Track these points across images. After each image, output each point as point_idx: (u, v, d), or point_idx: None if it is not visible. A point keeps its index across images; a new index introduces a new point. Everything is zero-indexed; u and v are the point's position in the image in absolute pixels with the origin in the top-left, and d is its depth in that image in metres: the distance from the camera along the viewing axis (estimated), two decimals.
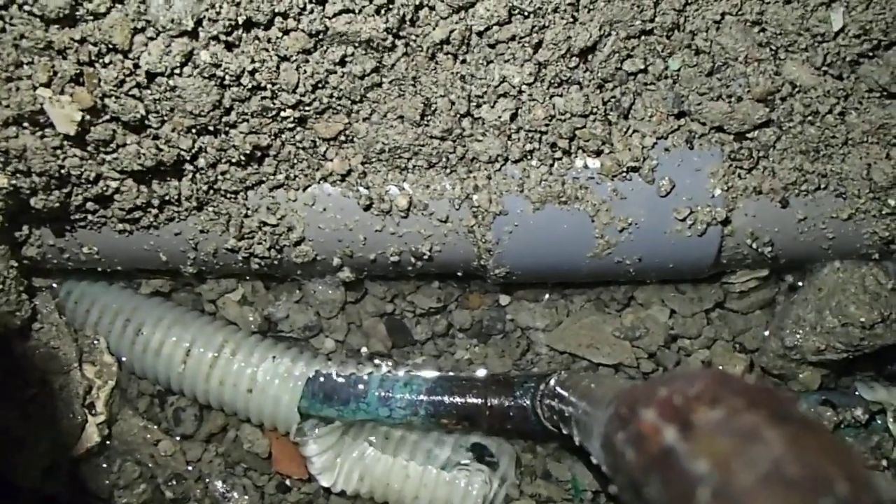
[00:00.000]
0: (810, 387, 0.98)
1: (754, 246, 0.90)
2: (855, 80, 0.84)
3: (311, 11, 0.74)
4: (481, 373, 0.97)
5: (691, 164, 0.86)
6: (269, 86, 0.78)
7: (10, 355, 0.90)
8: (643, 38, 0.81)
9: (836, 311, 0.92)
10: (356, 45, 0.77)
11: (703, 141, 0.86)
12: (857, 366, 0.98)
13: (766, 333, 1.00)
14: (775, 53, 0.82)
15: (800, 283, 0.98)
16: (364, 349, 1.01)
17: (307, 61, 0.78)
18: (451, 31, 0.78)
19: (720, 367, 0.98)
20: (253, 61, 0.76)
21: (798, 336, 0.94)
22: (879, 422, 0.93)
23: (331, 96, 0.81)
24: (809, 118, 0.85)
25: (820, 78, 0.83)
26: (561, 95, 0.83)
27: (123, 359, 0.99)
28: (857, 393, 0.95)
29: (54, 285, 0.99)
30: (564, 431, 0.80)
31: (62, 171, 0.79)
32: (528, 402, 0.90)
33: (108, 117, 0.77)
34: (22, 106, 0.74)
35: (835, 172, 0.88)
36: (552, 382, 0.86)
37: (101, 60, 0.73)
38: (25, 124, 0.76)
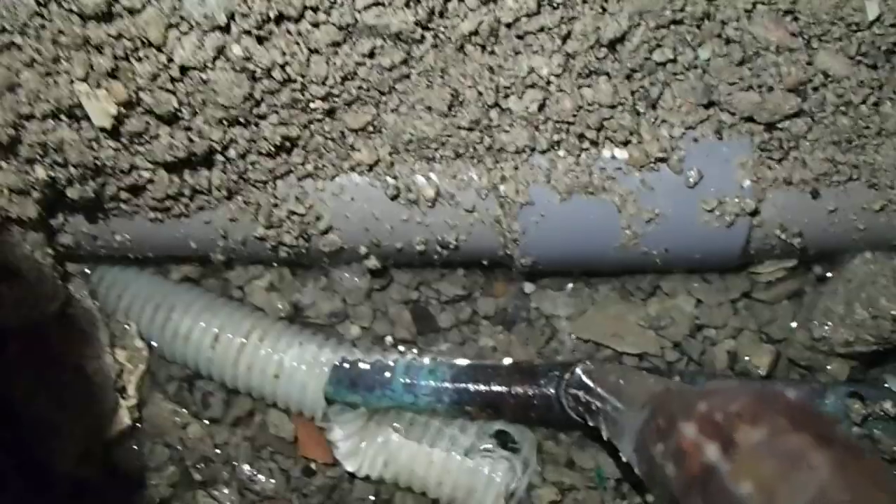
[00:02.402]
0: (838, 378, 0.97)
1: (783, 237, 0.89)
2: (890, 70, 0.82)
3: (342, 5, 0.74)
4: (506, 360, 0.98)
5: (720, 155, 0.85)
6: (298, 78, 0.78)
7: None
8: (673, 27, 0.80)
9: (865, 303, 0.91)
10: (385, 37, 0.77)
11: (732, 131, 0.86)
12: (887, 358, 0.97)
13: (794, 324, 0.99)
14: (808, 43, 0.81)
15: (828, 274, 0.97)
16: (389, 336, 1.02)
17: (337, 54, 0.78)
18: (480, 23, 0.77)
19: (746, 359, 0.98)
20: (283, 54, 0.76)
21: (827, 328, 0.94)
22: None
23: (359, 88, 0.81)
24: (842, 108, 0.84)
25: (853, 68, 0.82)
26: (589, 86, 0.82)
27: (154, 343, 1.00)
28: (886, 385, 0.94)
29: (87, 271, 1.01)
30: (590, 423, 0.81)
31: (97, 163, 0.80)
32: (552, 391, 0.91)
33: (142, 110, 0.78)
34: (60, 100, 0.75)
35: (867, 163, 0.87)
36: (578, 372, 0.87)
37: (136, 55, 0.74)
38: (63, 118, 0.77)
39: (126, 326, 0.99)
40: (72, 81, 0.74)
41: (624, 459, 0.63)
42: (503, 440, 0.97)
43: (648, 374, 0.74)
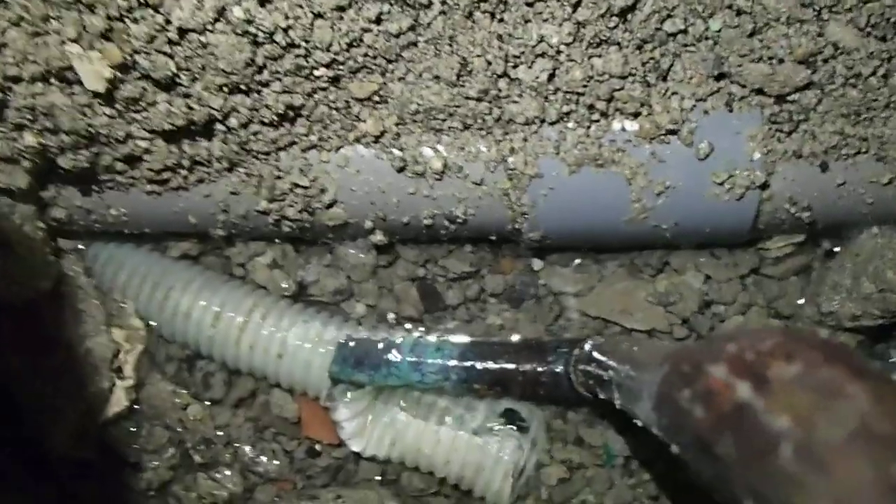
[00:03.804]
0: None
1: (792, 211, 0.89)
2: None
3: None
4: (513, 338, 0.96)
5: (731, 127, 0.84)
6: (302, 43, 0.76)
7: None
8: None
9: (872, 277, 0.91)
10: (392, 2, 0.76)
11: (742, 104, 0.85)
12: (893, 332, 0.97)
13: (802, 300, 0.99)
14: (818, 14, 0.80)
15: (836, 249, 0.97)
16: (394, 314, 1.00)
17: (342, 18, 0.76)
18: None
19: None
20: (287, 18, 0.74)
21: (834, 302, 0.93)
22: None
23: (365, 55, 0.79)
24: (851, 80, 0.84)
25: (863, 39, 0.81)
26: (600, 56, 0.81)
27: (152, 323, 0.98)
28: (891, 359, 0.94)
29: (81, 247, 0.98)
30: (602, 396, 0.80)
31: (90, 130, 0.78)
32: (560, 368, 0.89)
33: (138, 74, 0.76)
34: (50, 62, 0.72)
35: (876, 136, 0.87)
36: (587, 347, 0.86)
37: (131, 15, 0.72)
38: (53, 81, 0.74)
39: (123, 305, 0.96)
40: (63, 42, 0.72)
41: (640, 424, 0.62)
42: (511, 418, 0.96)
43: (660, 341, 0.73)
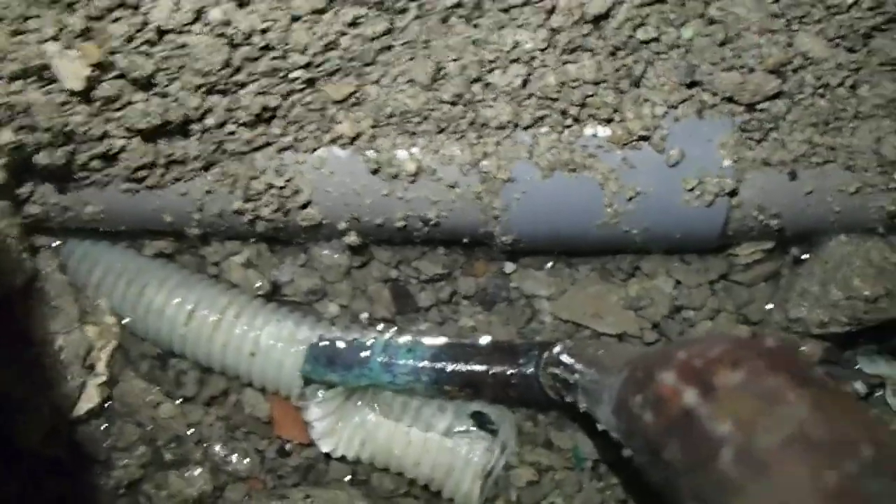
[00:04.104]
0: (812, 359, 0.98)
1: (761, 218, 0.90)
2: (867, 54, 0.83)
3: None
4: (485, 340, 0.97)
5: (702, 135, 0.86)
6: (279, 46, 0.77)
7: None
8: (657, 6, 0.81)
9: (840, 285, 0.92)
10: (369, 6, 0.76)
11: (713, 111, 0.86)
12: (861, 338, 0.99)
13: (771, 306, 1.00)
14: (788, 24, 0.82)
15: (805, 256, 0.98)
16: (367, 315, 1.01)
17: (319, 22, 0.77)
18: None
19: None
20: (264, 20, 0.75)
21: (802, 308, 0.95)
22: (879, 394, 0.94)
23: (341, 58, 0.80)
24: (821, 90, 0.85)
25: (832, 50, 0.83)
26: (573, 62, 0.82)
27: (126, 320, 0.98)
28: (857, 366, 0.96)
29: (56, 244, 0.98)
30: (568, 399, 0.81)
31: (67, 128, 0.78)
32: (531, 370, 0.90)
33: (115, 74, 0.76)
34: (28, 60, 0.73)
35: (844, 146, 0.88)
36: (556, 350, 0.86)
37: (110, 15, 0.72)
38: (31, 79, 0.75)
39: (97, 302, 0.96)
40: (41, 41, 0.72)
41: (601, 428, 0.63)
42: (480, 421, 0.97)
43: (627, 345, 0.74)
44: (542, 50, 0.81)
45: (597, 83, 0.83)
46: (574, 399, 0.78)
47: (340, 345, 0.94)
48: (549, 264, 1.01)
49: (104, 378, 0.94)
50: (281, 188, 0.87)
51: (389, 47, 0.81)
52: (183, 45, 0.75)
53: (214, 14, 0.74)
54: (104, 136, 0.81)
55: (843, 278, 0.93)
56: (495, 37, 0.80)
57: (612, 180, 0.86)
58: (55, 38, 0.72)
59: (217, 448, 0.98)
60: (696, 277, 0.99)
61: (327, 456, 0.98)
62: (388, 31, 0.79)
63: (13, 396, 0.89)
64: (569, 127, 0.86)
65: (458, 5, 0.79)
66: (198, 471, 0.96)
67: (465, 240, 0.95)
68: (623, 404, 0.51)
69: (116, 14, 0.73)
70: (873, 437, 0.36)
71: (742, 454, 0.37)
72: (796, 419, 0.37)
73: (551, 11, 0.79)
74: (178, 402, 0.99)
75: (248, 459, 0.98)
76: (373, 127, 0.86)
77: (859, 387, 0.94)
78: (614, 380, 0.58)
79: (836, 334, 0.95)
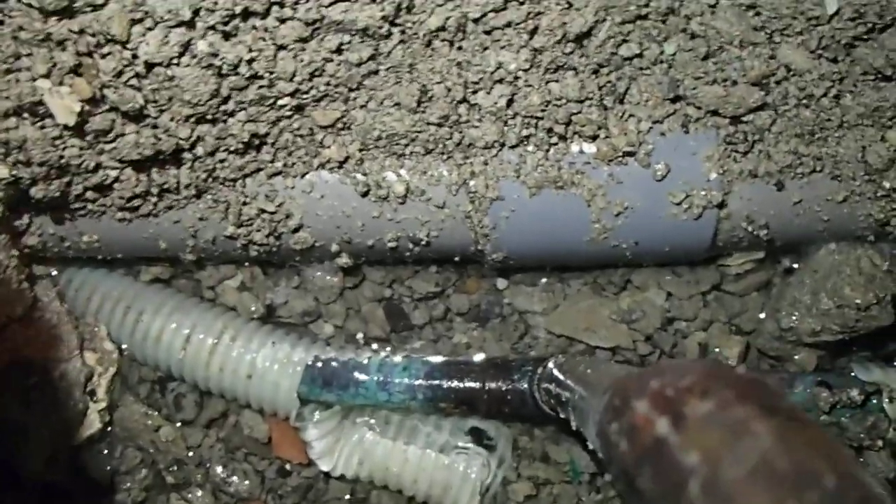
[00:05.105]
0: (806, 368, 0.99)
1: (750, 229, 0.91)
2: (849, 64, 0.84)
3: (308, 0, 0.74)
4: (479, 357, 0.98)
5: (687, 148, 0.86)
6: (266, 74, 0.78)
7: (12, 344, 0.91)
8: (638, 22, 0.81)
9: (831, 293, 0.93)
10: (353, 33, 0.77)
11: (698, 125, 0.87)
12: (853, 347, 0.99)
13: (763, 315, 1.00)
14: (770, 37, 0.82)
15: (795, 266, 0.99)
16: (362, 334, 1.02)
17: (304, 50, 0.78)
18: (447, 18, 0.77)
19: (717, 350, 0.99)
20: (250, 50, 0.76)
21: (794, 318, 0.95)
22: (875, 402, 0.94)
23: (328, 84, 0.81)
24: (804, 101, 0.85)
25: (815, 61, 0.83)
26: (557, 81, 0.83)
27: (124, 346, 0.99)
28: (852, 374, 0.96)
29: (55, 273, 1.00)
30: (562, 416, 0.81)
31: (62, 161, 0.79)
32: (525, 386, 0.91)
33: (107, 107, 0.77)
34: (22, 97, 0.74)
35: (830, 155, 0.88)
36: (550, 366, 0.87)
37: (99, 51, 0.73)
38: (25, 115, 0.76)
39: (96, 329, 0.98)
40: (34, 78, 0.73)
41: (590, 447, 0.64)
42: (478, 436, 0.98)
43: (616, 363, 0.75)
44: (526, 70, 0.81)
45: (581, 101, 0.83)
46: (566, 415, 0.78)
47: (336, 365, 0.95)
48: (541, 280, 1.02)
49: (105, 403, 0.96)
50: (272, 213, 0.89)
51: (375, 72, 0.82)
52: (171, 78, 0.76)
53: (201, 46, 0.75)
54: (98, 167, 0.82)
55: (834, 287, 0.93)
56: (479, 58, 0.81)
57: (600, 196, 0.87)
58: (47, 76, 0.74)
59: (217, 470, 1.00)
60: (687, 289, 0.99)
61: (326, 475, 0.99)
62: (372, 57, 0.80)
63: (15, 423, 0.91)
64: (555, 145, 0.86)
65: (441, 29, 0.79)
66: (199, 493, 0.97)
67: (456, 258, 0.96)
68: (602, 431, 0.52)
69: (106, 49, 0.74)
70: (836, 468, 0.37)
71: (708, 486, 0.38)
72: (760, 450, 0.37)
73: (533, 32, 0.80)
74: (177, 425, 1.00)
75: (248, 481, 0.99)
76: (361, 150, 0.87)
77: (855, 394, 0.94)
78: (598, 402, 0.59)
79: (828, 343, 0.96)
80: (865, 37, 0.82)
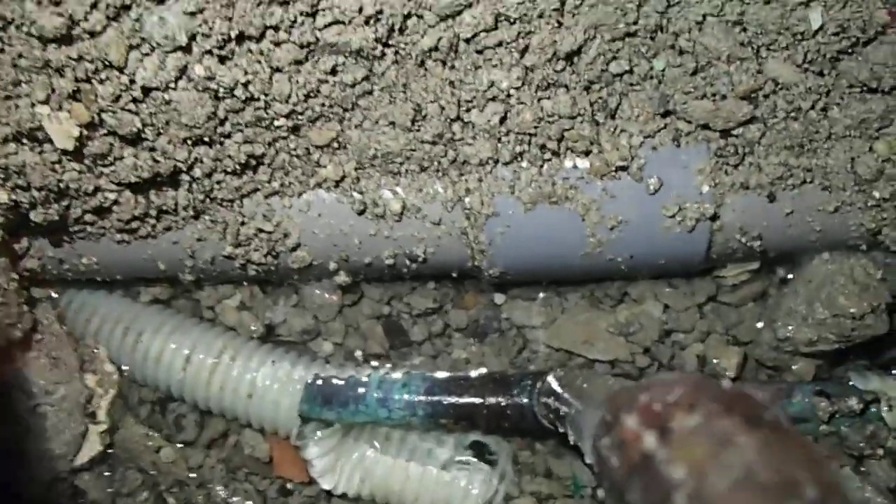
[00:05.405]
0: (804, 378, 0.99)
1: (743, 240, 0.92)
2: (835, 77, 0.85)
3: (302, 23, 0.75)
4: (479, 372, 0.98)
5: (678, 162, 0.87)
6: (262, 96, 0.79)
7: (12, 366, 0.91)
8: (627, 40, 0.83)
9: (826, 303, 0.93)
10: (346, 54, 0.79)
11: (689, 139, 0.88)
12: (851, 355, 0.99)
13: (760, 325, 1.01)
14: (757, 52, 0.84)
15: (790, 276, 0.99)
16: (361, 351, 1.02)
17: (299, 72, 0.79)
18: (440, 39, 0.79)
19: (715, 361, 0.99)
20: (246, 73, 0.77)
21: (790, 328, 0.95)
22: (874, 410, 0.94)
23: (323, 105, 0.82)
24: (793, 114, 0.87)
25: (801, 75, 0.84)
26: (549, 98, 0.84)
27: (124, 367, 1.00)
28: (850, 383, 0.96)
29: (54, 295, 1.01)
30: (561, 430, 0.81)
31: (61, 185, 0.81)
32: (525, 400, 0.91)
33: (105, 131, 0.78)
34: (21, 123, 0.75)
35: (820, 166, 0.90)
36: (549, 380, 0.87)
37: (97, 77, 0.75)
38: (24, 141, 0.77)
39: (95, 350, 0.98)
40: (33, 104, 0.74)
41: (587, 461, 0.64)
42: (480, 451, 0.98)
43: (612, 377, 0.75)
44: (518, 88, 0.83)
45: (573, 117, 0.85)
46: (565, 429, 0.79)
47: (336, 382, 0.95)
48: (539, 294, 1.02)
49: (105, 425, 0.96)
50: (270, 232, 0.90)
51: (369, 92, 0.83)
52: (168, 101, 0.78)
53: (198, 70, 0.76)
54: (96, 190, 0.83)
55: (828, 296, 0.94)
56: (471, 77, 0.82)
57: (594, 211, 0.88)
58: (46, 102, 0.75)
59: (219, 490, 1.00)
60: (684, 301, 1.00)
61: (328, 493, 0.99)
62: (366, 77, 0.81)
63: (15, 447, 0.91)
64: (548, 160, 0.88)
65: (434, 49, 0.81)
66: None
67: (453, 274, 0.97)
68: (595, 446, 0.52)
69: (104, 75, 0.75)
70: (818, 478, 0.37)
71: (693, 498, 0.38)
72: (744, 462, 0.38)
73: (524, 50, 0.81)
74: (178, 445, 1.00)
75: (250, 501, 0.99)
76: (357, 169, 0.88)
77: (854, 403, 0.94)
78: (593, 416, 0.59)
79: (825, 352, 0.96)
80: (850, 50, 0.83)
